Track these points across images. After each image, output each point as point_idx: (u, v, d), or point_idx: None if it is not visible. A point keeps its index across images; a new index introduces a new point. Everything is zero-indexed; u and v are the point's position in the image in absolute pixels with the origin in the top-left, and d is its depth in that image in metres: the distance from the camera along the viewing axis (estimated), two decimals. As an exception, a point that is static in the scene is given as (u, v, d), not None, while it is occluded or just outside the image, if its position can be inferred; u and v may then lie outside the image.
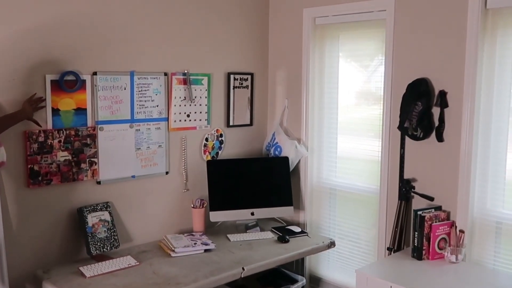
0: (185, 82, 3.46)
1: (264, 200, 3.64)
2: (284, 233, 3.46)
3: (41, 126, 2.80)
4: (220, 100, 3.71)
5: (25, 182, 2.80)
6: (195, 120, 3.56)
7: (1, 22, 2.65)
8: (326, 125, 3.74)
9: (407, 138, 3.13)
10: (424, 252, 2.90)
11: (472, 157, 2.86)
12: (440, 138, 2.97)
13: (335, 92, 3.67)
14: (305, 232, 3.57)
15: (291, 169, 3.75)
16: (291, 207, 3.67)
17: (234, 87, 3.77)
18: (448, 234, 2.92)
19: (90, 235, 2.97)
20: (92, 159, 3.05)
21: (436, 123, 2.98)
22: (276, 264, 3.17)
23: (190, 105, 3.51)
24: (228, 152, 3.79)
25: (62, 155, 2.92)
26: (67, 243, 3.01)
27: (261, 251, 3.18)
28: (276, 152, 3.82)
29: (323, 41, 3.68)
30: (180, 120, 3.47)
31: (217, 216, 3.52)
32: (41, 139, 2.83)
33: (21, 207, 2.81)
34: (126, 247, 3.20)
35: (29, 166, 2.80)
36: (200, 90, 3.57)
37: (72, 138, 2.95)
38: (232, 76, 3.74)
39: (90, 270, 2.79)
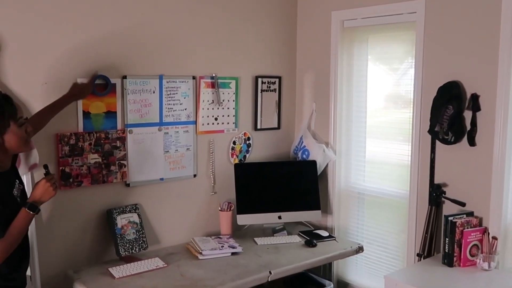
0: (213, 85, 3.48)
1: (291, 204, 3.63)
2: (311, 237, 3.44)
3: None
4: (247, 103, 3.71)
5: (57, 183, 2.85)
6: (222, 123, 3.57)
7: (34, 29, 2.71)
8: (354, 129, 3.70)
9: (437, 142, 3.07)
10: (455, 258, 2.84)
11: (505, 161, 2.79)
12: (472, 143, 2.90)
13: (363, 95, 3.63)
14: (333, 237, 3.54)
15: (318, 173, 3.73)
16: (319, 211, 3.64)
17: (261, 91, 3.77)
18: (481, 241, 2.85)
19: (119, 236, 3.01)
20: (121, 162, 3.09)
21: (468, 127, 2.91)
22: (303, 269, 3.15)
23: (218, 108, 3.53)
24: (255, 155, 3.79)
25: (93, 158, 2.97)
26: (97, 244, 3.06)
27: (288, 255, 3.17)
28: (304, 156, 3.80)
29: (351, 44, 3.65)
30: (208, 124, 3.49)
31: (244, 219, 3.52)
32: (72, 141, 2.88)
33: (53, 208, 2.86)
34: (154, 249, 3.24)
35: (60, 168, 2.85)
36: (228, 93, 3.58)
37: (102, 141, 3.00)
38: (259, 80, 3.74)
39: (119, 271, 2.83)
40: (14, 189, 2.21)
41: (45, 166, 2.34)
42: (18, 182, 2.27)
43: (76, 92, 2.81)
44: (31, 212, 2.14)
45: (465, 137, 2.92)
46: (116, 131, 3.06)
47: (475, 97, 2.88)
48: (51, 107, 2.70)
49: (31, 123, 2.54)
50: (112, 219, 3.01)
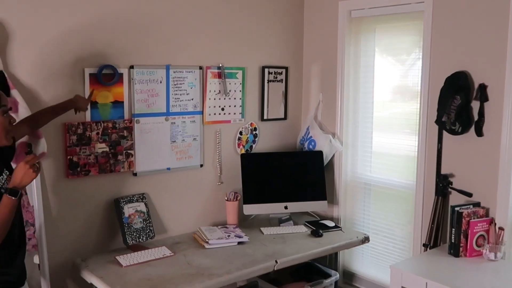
0: (219, 75, 3.48)
1: (297, 194, 3.64)
2: (317, 227, 3.45)
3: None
4: (254, 93, 3.71)
5: (65, 172, 2.88)
6: (229, 113, 3.58)
7: (42, 18, 2.72)
8: (361, 120, 3.70)
9: (444, 133, 3.06)
10: (461, 249, 2.84)
11: (513, 152, 2.78)
12: (479, 133, 2.89)
13: (370, 86, 3.62)
14: (339, 227, 3.55)
15: (325, 163, 3.73)
16: (325, 202, 3.65)
17: (268, 81, 3.77)
18: (487, 231, 2.84)
19: (126, 225, 3.03)
20: (128, 151, 3.11)
21: (476, 118, 2.90)
22: (309, 258, 3.16)
23: (224, 98, 3.53)
24: (262, 145, 3.80)
25: (100, 147, 2.98)
26: (104, 233, 3.08)
27: (294, 245, 3.18)
28: (310, 146, 3.80)
29: (358, 34, 3.63)
30: (215, 114, 3.50)
31: (250, 209, 3.53)
32: (80, 131, 2.90)
33: (61, 197, 2.89)
34: (161, 238, 3.26)
35: (68, 157, 2.87)
36: (235, 83, 3.58)
37: (109, 131, 3.01)
38: (266, 70, 3.74)
39: (126, 259, 2.85)
40: None
41: (28, 145, 2.22)
42: (8, 173, 2.17)
43: (77, 101, 2.72)
44: (12, 198, 2.01)
45: (473, 127, 2.91)
46: (123, 121, 3.07)
47: (483, 87, 2.86)
48: (53, 108, 2.66)
49: (31, 120, 2.51)
50: (119, 208, 3.04)
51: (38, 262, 2.74)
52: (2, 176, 2.13)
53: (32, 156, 2.09)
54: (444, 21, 3.03)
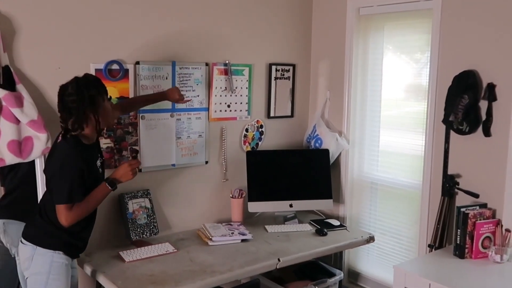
0: (226, 72, 3.47)
1: (303, 192, 3.62)
2: (322, 226, 3.43)
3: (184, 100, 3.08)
4: (261, 91, 3.70)
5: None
6: (235, 110, 3.56)
7: (48, 13, 2.73)
8: (368, 118, 3.67)
9: (452, 133, 3.02)
10: (466, 250, 2.80)
11: (521, 153, 2.74)
12: (487, 133, 2.85)
13: (378, 84, 3.59)
14: (344, 226, 3.53)
15: (331, 161, 3.71)
16: (331, 200, 3.63)
17: (275, 78, 3.75)
18: (493, 233, 2.81)
19: (130, 221, 3.04)
20: (133, 147, 3.11)
21: (484, 117, 2.86)
22: (313, 257, 3.15)
23: (230, 95, 3.52)
24: (268, 143, 3.78)
25: (105, 143, 2.99)
26: (108, 228, 3.09)
27: (298, 243, 3.16)
28: (317, 144, 3.78)
29: (367, 32, 3.60)
30: (221, 110, 3.49)
31: (255, 207, 3.52)
32: (85, 126, 2.90)
33: (66, 192, 2.89)
34: (165, 234, 3.26)
35: (73, 152, 2.88)
36: (241, 80, 3.57)
37: (114, 126, 3.02)
38: (273, 67, 3.72)
39: (130, 255, 2.86)
40: (98, 161, 2.55)
41: (135, 151, 2.95)
42: (100, 155, 2.61)
43: (168, 95, 3.01)
44: (109, 187, 2.47)
45: (480, 127, 2.87)
46: (129, 117, 3.07)
47: (491, 87, 2.82)
48: (146, 97, 3.00)
49: (121, 105, 2.87)
50: (123, 203, 3.04)
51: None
52: (99, 159, 2.58)
53: (136, 161, 2.66)
54: (453, 19, 2.99)
